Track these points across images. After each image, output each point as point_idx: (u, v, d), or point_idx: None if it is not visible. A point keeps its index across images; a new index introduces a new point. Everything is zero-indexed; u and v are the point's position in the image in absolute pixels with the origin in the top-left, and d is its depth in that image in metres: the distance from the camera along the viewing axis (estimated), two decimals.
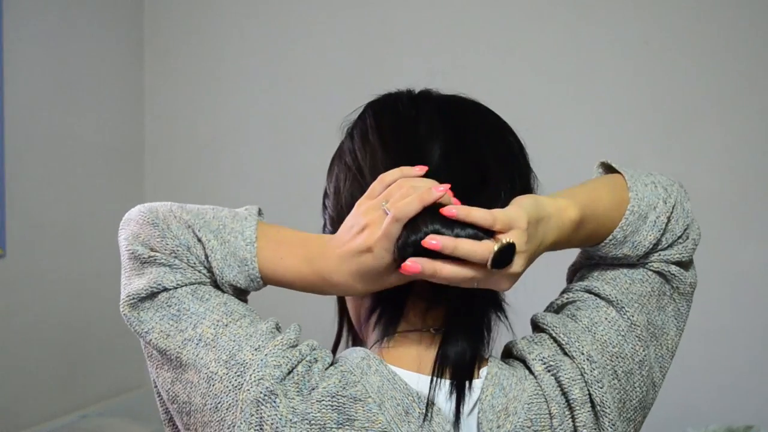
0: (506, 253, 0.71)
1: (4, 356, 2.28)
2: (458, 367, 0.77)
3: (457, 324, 0.79)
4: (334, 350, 0.89)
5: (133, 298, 0.76)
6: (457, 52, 2.42)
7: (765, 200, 2.16)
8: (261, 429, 0.70)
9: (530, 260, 0.75)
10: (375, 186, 0.76)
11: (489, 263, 0.71)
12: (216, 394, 0.72)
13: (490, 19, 2.40)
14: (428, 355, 0.78)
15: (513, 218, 0.73)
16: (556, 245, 0.79)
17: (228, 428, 0.72)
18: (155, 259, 0.77)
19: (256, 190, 2.69)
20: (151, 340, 0.76)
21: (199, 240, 0.77)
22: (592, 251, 0.86)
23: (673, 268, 0.85)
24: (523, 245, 0.72)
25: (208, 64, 2.76)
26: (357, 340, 0.90)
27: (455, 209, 0.72)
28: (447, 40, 2.43)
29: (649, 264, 0.85)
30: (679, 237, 0.85)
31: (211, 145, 2.76)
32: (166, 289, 0.76)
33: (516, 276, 0.74)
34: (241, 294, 0.80)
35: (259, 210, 0.82)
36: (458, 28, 2.43)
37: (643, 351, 0.81)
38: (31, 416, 2.36)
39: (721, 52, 2.17)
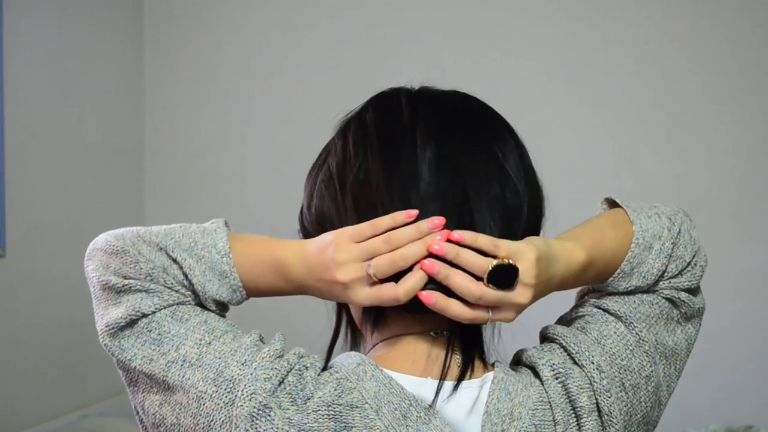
0: (506, 273, 0.73)
1: (4, 356, 2.28)
2: (454, 367, 0.78)
3: (454, 325, 0.79)
4: (331, 347, 0.89)
5: (113, 328, 0.77)
6: (456, 52, 2.42)
7: (765, 200, 2.16)
8: None
9: (537, 296, 0.76)
10: (365, 228, 0.75)
11: (485, 277, 0.73)
12: (207, 413, 0.72)
13: (490, 19, 2.40)
14: (424, 356, 0.79)
15: (520, 249, 0.75)
16: (563, 285, 0.81)
17: None
18: (130, 287, 0.77)
19: (255, 190, 2.69)
20: (135, 366, 0.76)
21: (174, 260, 0.77)
22: (601, 287, 0.87)
23: (683, 295, 0.86)
24: (531, 278, 0.74)
25: (208, 65, 2.76)
26: (355, 337, 0.90)
27: (459, 234, 0.74)
28: (447, 40, 2.43)
29: (660, 291, 0.86)
30: (688, 264, 0.86)
31: (211, 145, 2.76)
32: (144, 315, 0.76)
33: (521, 307, 0.75)
34: (222, 309, 0.81)
35: (226, 222, 0.82)
36: (458, 28, 2.43)
37: (650, 367, 0.82)
38: (31, 416, 2.36)
39: (721, 52, 2.17)
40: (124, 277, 0.77)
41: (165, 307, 0.76)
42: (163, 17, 2.80)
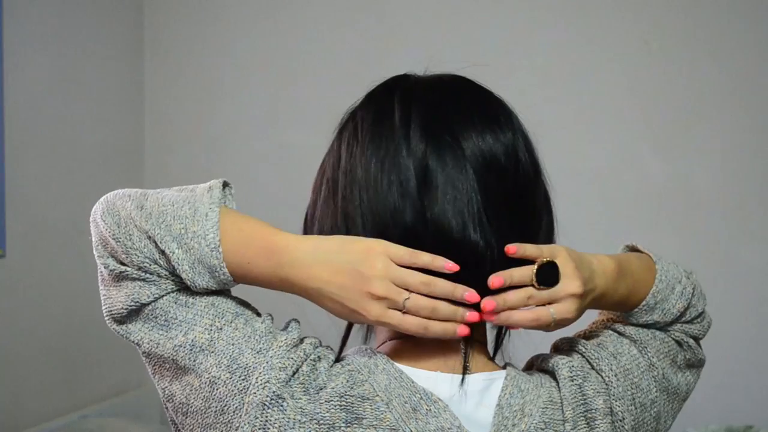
0: (548, 270, 0.77)
1: (4, 356, 2.28)
2: (463, 361, 0.79)
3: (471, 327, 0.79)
4: (345, 339, 0.89)
5: (117, 315, 0.77)
6: (456, 51, 2.42)
7: (765, 200, 2.16)
8: (265, 430, 0.71)
9: (586, 290, 0.79)
10: (405, 255, 0.74)
11: (533, 280, 0.76)
12: (221, 398, 0.73)
13: (490, 19, 2.40)
14: (435, 353, 0.79)
15: (555, 247, 0.80)
16: (606, 293, 0.83)
17: (235, 430, 0.72)
18: (127, 274, 0.76)
19: (256, 190, 2.69)
20: (144, 349, 0.77)
21: (163, 252, 0.75)
22: (624, 317, 0.90)
23: (691, 341, 0.91)
24: (572, 269, 0.78)
25: (208, 64, 2.76)
26: (369, 330, 0.89)
27: (515, 246, 0.77)
28: (446, 41, 2.43)
29: (672, 331, 0.90)
30: (700, 315, 0.91)
31: (211, 145, 2.76)
32: (144, 305, 0.76)
33: (575, 297, 0.78)
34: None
35: (224, 184, 0.81)
36: (458, 28, 2.44)
37: (656, 392, 0.85)
38: (31, 416, 2.36)
39: (721, 51, 2.17)
40: (120, 263, 0.77)
41: (164, 295, 0.76)
42: (163, 17, 2.79)
